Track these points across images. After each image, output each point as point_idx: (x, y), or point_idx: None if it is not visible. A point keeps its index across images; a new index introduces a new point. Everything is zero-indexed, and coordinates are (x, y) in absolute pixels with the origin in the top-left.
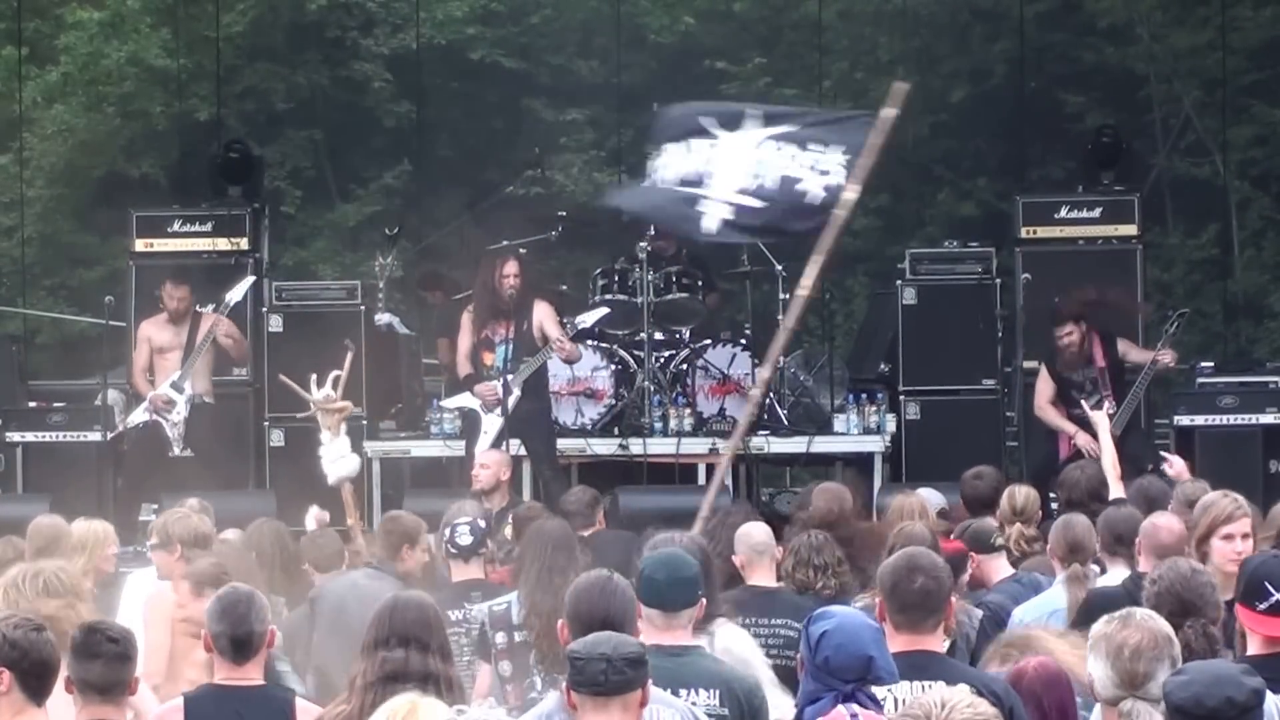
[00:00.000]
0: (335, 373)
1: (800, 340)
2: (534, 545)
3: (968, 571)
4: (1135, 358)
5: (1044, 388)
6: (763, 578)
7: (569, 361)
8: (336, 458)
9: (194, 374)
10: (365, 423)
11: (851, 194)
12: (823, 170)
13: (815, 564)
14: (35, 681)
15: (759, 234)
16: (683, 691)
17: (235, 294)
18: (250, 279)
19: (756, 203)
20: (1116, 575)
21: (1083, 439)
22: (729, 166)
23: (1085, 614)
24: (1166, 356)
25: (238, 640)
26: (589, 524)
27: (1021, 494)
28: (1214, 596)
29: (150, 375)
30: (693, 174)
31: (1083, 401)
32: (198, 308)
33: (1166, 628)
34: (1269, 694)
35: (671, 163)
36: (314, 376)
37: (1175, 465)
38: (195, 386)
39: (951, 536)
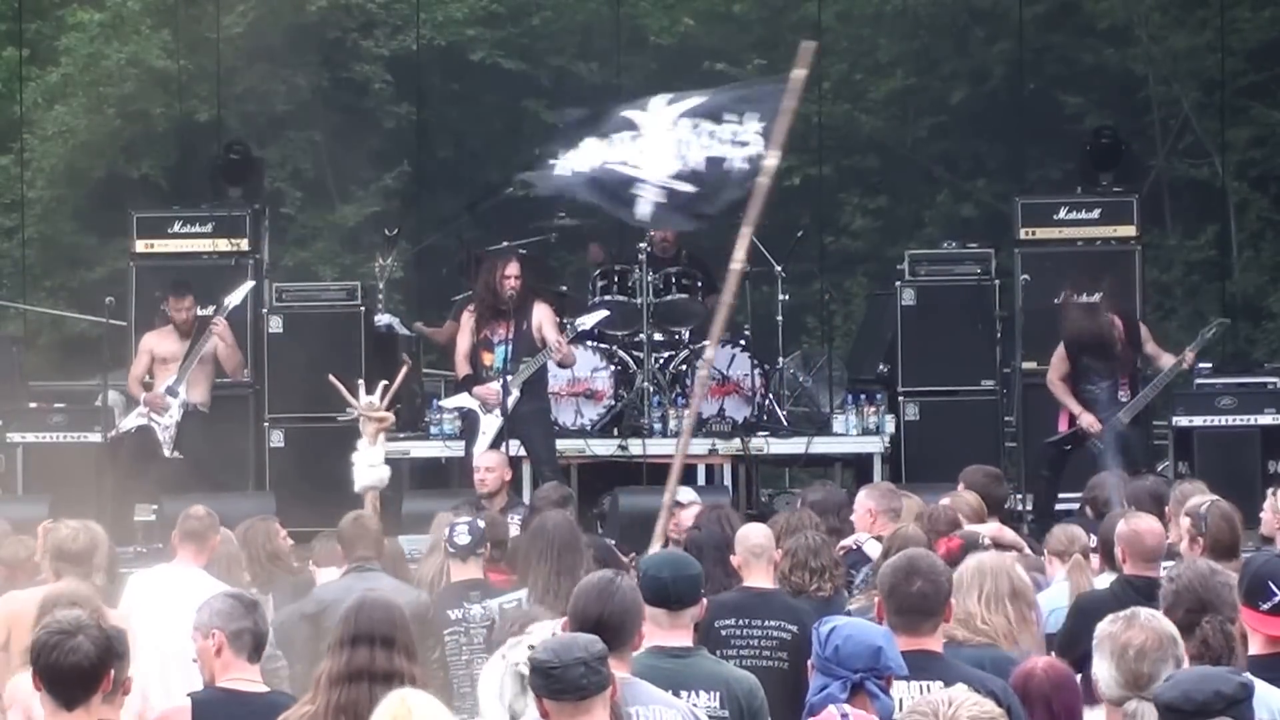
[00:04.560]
0: (384, 382)
1: (799, 341)
2: (538, 546)
3: None
4: (1150, 351)
5: (1059, 364)
6: (759, 579)
7: (563, 366)
8: (369, 465)
9: (192, 383)
10: (395, 384)
11: (773, 160)
12: (741, 141)
13: (812, 566)
14: (52, 687)
15: (691, 218)
16: (683, 693)
17: (234, 298)
18: (250, 283)
19: (687, 187)
20: (1107, 578)
21: (1086, 419)
22: (654, 152)
23: (1074, 615)
24: (1190, 358)
25: (260, 638)
26: None
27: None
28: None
29: (149, 381)
30: (618, 160)
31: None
32: (199, 310)
33: (1171, 628)
34: (1275, 691)
35: (592, 153)
36: (362, 382)
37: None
38: (192, 395)
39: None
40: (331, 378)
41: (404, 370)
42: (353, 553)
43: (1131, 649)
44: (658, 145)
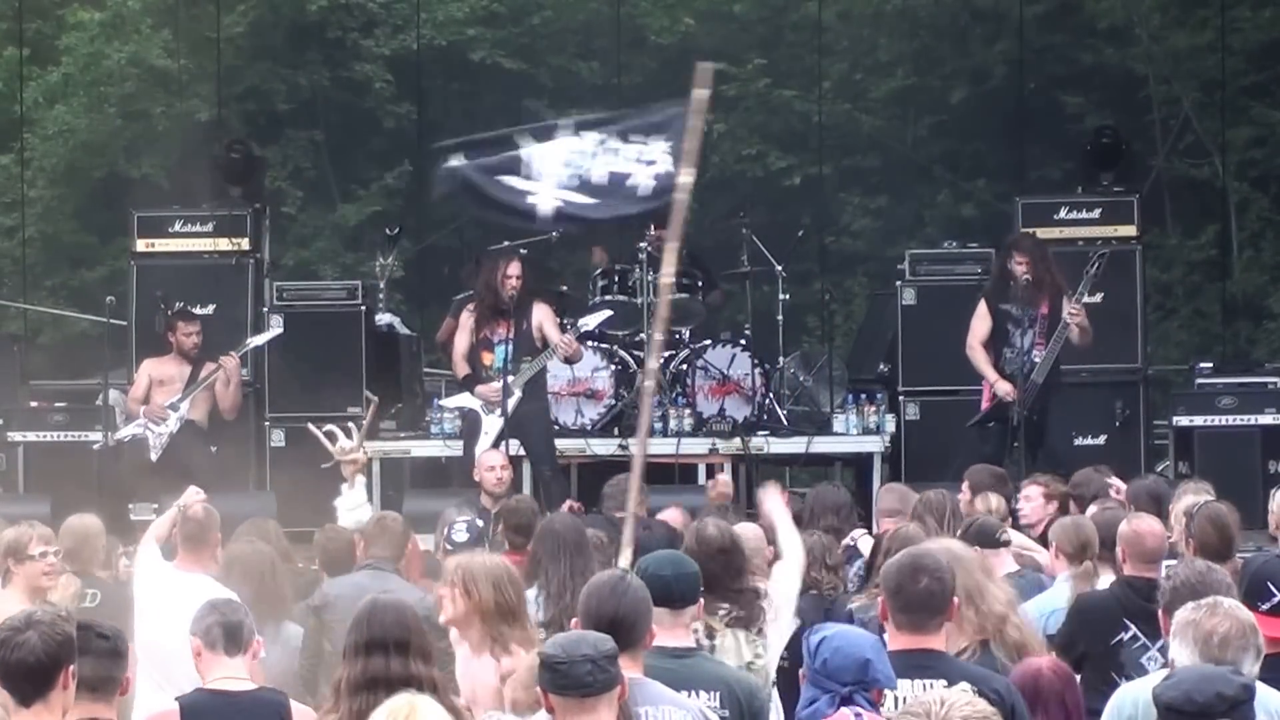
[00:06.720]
0: (354, 422)
1: (800, 341)
2: (550, 548)
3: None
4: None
5: (979, 326)
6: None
7: (570, 362)
8: (352, 507)
9: (195, 404)
10: (365, 423)
11: (686, 178)
12: (648, 160)
13: (827, 564)
14: (6, 684)
15: (591, 222)
16: (683, 693)
17: (257, 340)
18: (276, 331)
19: (584, 198)
20: (1104, 579)
21: (1003, 387)
22: (550, 169)
23: (1073, 617)
24: (1074, 314)
25: (230, 628)
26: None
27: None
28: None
29: (145, 404)
30: (513, 165)
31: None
32: (199, 309)
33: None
34: (1274, 693)
35: (489, 162)
36: (338, 429)
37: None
38: (192, 414)
39: (957, 534)
40: (310, 427)
41: (373, 407)
42: (370, 551)
43: (1215, 637)
44: (554, 161)
